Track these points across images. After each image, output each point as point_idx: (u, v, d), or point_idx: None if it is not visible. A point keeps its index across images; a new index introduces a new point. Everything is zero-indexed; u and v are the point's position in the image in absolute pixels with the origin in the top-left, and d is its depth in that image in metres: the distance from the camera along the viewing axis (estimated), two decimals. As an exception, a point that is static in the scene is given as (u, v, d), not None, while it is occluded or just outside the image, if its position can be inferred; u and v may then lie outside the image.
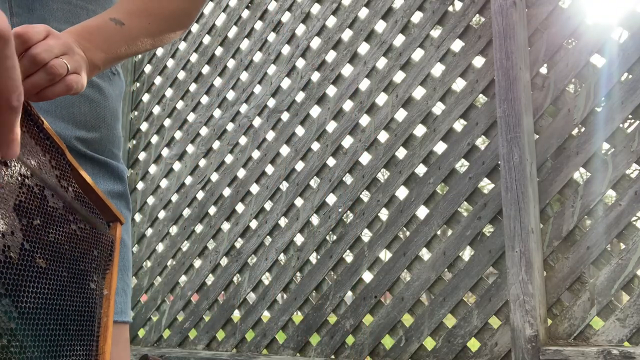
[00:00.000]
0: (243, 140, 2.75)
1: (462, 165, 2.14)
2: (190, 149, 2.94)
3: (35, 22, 1.03)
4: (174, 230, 2.92)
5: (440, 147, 2.19)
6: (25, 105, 0.62)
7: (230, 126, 2.80)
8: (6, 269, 0.55)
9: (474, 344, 2.00)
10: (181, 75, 3.04)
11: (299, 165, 2.55)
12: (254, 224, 2.64)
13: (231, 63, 2.86)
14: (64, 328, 0.63)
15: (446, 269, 2.11)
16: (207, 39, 2.97)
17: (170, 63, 3.11)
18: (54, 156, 0.66)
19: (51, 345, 0.60)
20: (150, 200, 3.04)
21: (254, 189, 2.67)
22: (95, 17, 0.78)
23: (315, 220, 2.47)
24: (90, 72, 0.73)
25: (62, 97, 1.01)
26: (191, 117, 2.97)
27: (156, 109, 3.12)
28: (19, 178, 0.59)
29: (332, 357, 2.30)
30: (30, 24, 1.03)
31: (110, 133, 1.09)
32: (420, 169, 2.24)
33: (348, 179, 2.39)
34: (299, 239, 2.51)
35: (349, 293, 2.33)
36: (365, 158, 2.39)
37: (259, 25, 2.79)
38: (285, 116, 2.62)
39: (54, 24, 1.03)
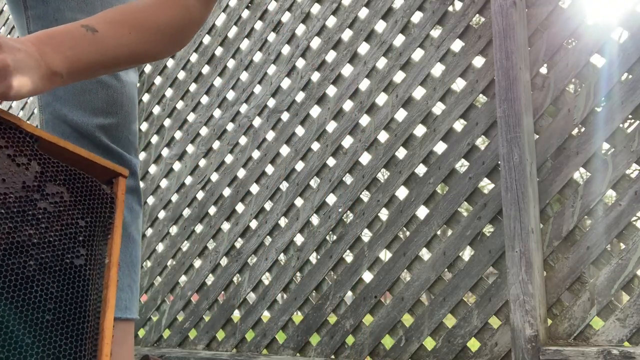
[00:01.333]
0: (243, 140, 2.75)
1: (462, 165, 2.14)
2: (190, 149, 2.94)
3: (50, 13, 1.03)
4: (174, 230, 2.92)
5: (440, 147, 2.19)
6: None
7: (230, 126, 2.80)
8: None
9: (474, 344, 2.00)
10: (181, 75, 3.04)
11: (299, 165, 2.55)
12: (254, 224, 2.64)
13: (231, 63, 2.86)
14: (36, 322, 0.57)
15: (446, 269, 2.11)
16: (207, 39, 2.98)
17: (170, 63, 3.11)
18: (3, 134, 0.60)
19: (16, 348, 0.55)
20: (150, 200, 3.05)
21: (254, 189, 2.67)
22: (68, 24, 0.75)
23: (315, 220, 2.47)
24: (48, 78, 0.67)
25: (78, 83, 0.99)
26: (191, 117, 2.97)
27: (156, 109, 3.13)
28: None
29: (332, 357, 2.31)
30: (46, 15, 1.03)
31: (127, 119, 1.07)
32: (420, 169, 2.24)
33: (348, 179, 2.39)
34: (299, 239, 2.51)
35: (349, 293, 2.33)
36: (365, 158, 2.39)
37: (259, 25, 2.79)
38: (285, 116, 2.62)
39: (68, 14, 1.02)
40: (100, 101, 1.03)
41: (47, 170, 0.63)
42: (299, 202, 2.53)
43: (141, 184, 3.08)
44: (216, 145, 2.85)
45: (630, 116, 1.87)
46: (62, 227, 0.62)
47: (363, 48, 2.45)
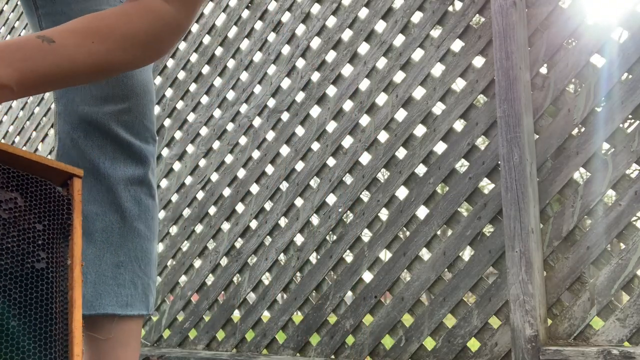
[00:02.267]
0: (243, 140, 2.75)
1: (462, 165, 2.14)
2: (190, 149, 2.94)
3: (58, 8, 1.02)
4: (174, 230, 2.92)
5: (440, 147, 2.19)
6: None
7: (230, 126, 2.80)
8: None
9: (474, 344, 2.01)
10: (181, 75, 3.04)
11: (299, 165, 2.55)
12: (254, 224, 2.64)
13: (231, 63, 2.86)
14: (1, 330, 0.57)
15: (446, 269, 2.11)
16: (207, 39, 2.98)
17: (170, 63, 3.11)
18: None
19: None
20: (150, 200, 3.04)
21: (254, 189, 2.67)
22: (24, 35, 0.71)
23: (315, 220, 2.47)
24: None
25: None
26: (191, 117, 2.97)
27: (156, 109, 3.13)
28: None
29: (332, 357, 2.31)
30: (54, 11, 1.02)
31: (140, 103, 1.04)
32: (420, 169, 2.24)
33: (348, 179, 2.39)
34: (299, 239, 2.51)
35: (349, 293, 2.33)
36: (365, 158, 2.39)
37: (259, 25, 2.79)
38: (285, 116, 2.62)
39: (75, 6, 1.02)
40: (111, 87, 1.01)
41: None
42: (299, 202, 2.53)
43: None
44: (216, 145, 2.85)
45: (630, 116, 1.87)
46: (20, 232, 0.62)
47: (363, 48, 2.45)
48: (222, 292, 2.69)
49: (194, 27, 3.08)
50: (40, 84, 0.69)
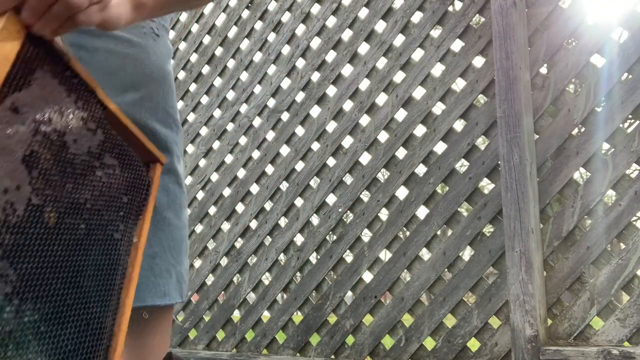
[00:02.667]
0: (243, 140, 2.75)
1: (462, 165, 2.14)
2: (190, 149, 2.94)
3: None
4: (174, 230, 2.92)
5: (440, 147, 2.19)
6: (47, 42, 0.59)
7: (230, 126, 2.80)
8: (4, 229, 0.50)
9: (474, 344, 2.00)
10: (181, 75, 3.04)
11: (299, 165, 2.55)
12: (254, 224, 2.64)
13: (231, 63, 2.86)
14: (76, 286, 0.58)
15: (446, 269, 2.11)
16: (207, 39, 2.97)
17: (170, 63, 3.11)
18: (81, 95, 0.61)
19: (56, 307, 0.56)
20: (150, 200, 3.04)
21: (254, 189, 2.67)
22: None
23: (315, 220, 2.47)
24: (137, 8, 0.72)
25: (105, 63, 0.99)
26: (191, 117, 2.97)
27: (156, 109, 3.12)
28: (32, 125, 0.54)
29: (332, 357, 2.30)
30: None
31: (159, 89, 1.04)
32: (420, 169, 2.24)
33: (348, 179, 2.39)
34: (299, 239, 2.51)
35: (349, 293, 2.33)
36: (365, 158, 2.39)
37: (259, 25, 2.79)
38: (285, 116, 2.62)
39: None
40: (130, 76, 1.02)
41: (108, 141, 0.64)
42: (299, 202, 2.53)
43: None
44: (216, 145, 2.85)
45: (630, 116, 1.87)
46: (110, 199, 0.63)
47: (363, 48, 2.45)
48: (222, 292, 2.69)
49: (194, 27, 3.08)
50: (162, 6, 0.81)
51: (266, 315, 2.53)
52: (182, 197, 1.08)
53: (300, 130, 2.57)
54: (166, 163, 1.02)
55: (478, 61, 2.17)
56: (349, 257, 2.39)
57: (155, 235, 1.02)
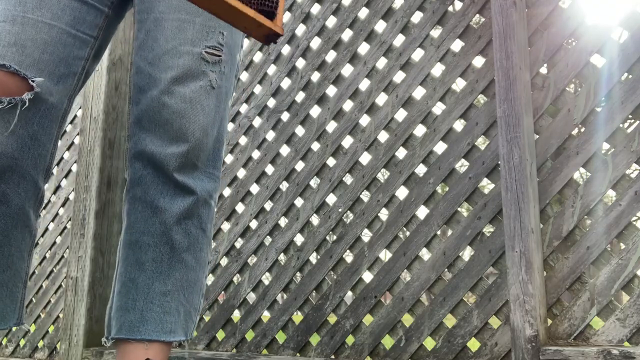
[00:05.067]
0: (243, 140, 2.75)
1: (462, 165, 2.15)
2: (190, 149, 2.93)
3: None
4: (174, 230, 2.92)
5: (440, 147, 2.19)
6: None
7: (230, 126, 2.80)
8: None
9: (474, 344, 2.01)
10: (181, 75, 3.04)
11: (299, 165, 2.55)
12: (254, 224, 2.64)
13: (231, 63, 2.86)
14: None
15: (446, 269, 2.11)
16: (207, 39, 2.97)
17: (170, 63, 3.11)
18: None
19: None
20: (150, 200, 3.04)
21: (254, 189, 2.67)
22: None
23: (315, 220, 2.47)
24: None
25: (158, 115, 1.12)
26: (191, 117, 2.96)
27: (156, 109, 3.12)
28: None
29: (332, 357, 2.30)
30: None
31: (198, 146, 1.14)
32: (420, 169, 2.25)
33: (348, 179, 2.39)
34: (299, 239, 2.51)
35: (349, 293, 2.33)
36: (365, 158, 2.40)
37: (259, 25, 2.79)
38: (285, 116, 2.62)
39: None
40: (175, 130, 1.12)
41: None
42: (299, 202, 2.53)
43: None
44: (216, 145, 2.84)
45: (630, 116, 1.86)
46: None
47: (363, 48, 2.45)
48: (222, 292, 2.69)
49: (194, 27, 3.08)
50: None
51: (266, 315, 2.53)
52: (202, 240, 1.17)
53: (300, 130, 2.57)
54: (189, 208, 1.14)
55: (478, 61, 2.18)
56: (349, 257, 2.39)
57: (171, 275, 1.12)
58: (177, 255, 1.12)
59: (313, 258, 2.49)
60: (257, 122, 2.72)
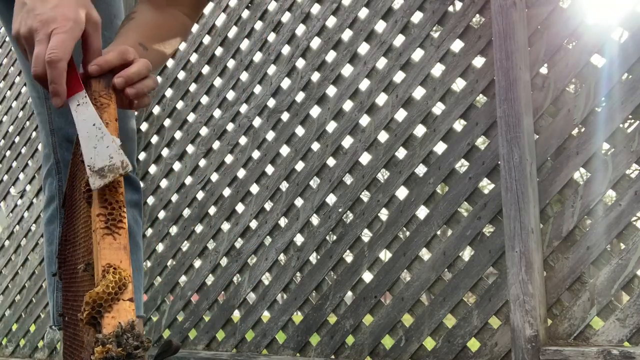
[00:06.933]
0: (243, 140, 2.75)
1: (462, 165, 2.14)
2: (190, 149, 2.94)
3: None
4: (173, 230, 2.92)
5: (440, 147, 2.19)
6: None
7: (230, 126, 2.80)
8: None
9: (474, 344, 2.00)
10: (181, 75, 3.04)
11: (299, 165, 2.55)
12: (254, 224, 2.64)
13: (231, 63, 2.86)
14: None
15: (446, 269, 2.11)
16: (207, 39, 2.97)
17: (170, 63, 3.11)
18: None
19: None
20: (150, 200, 3.05)
21: (254, 189, 2.67)
22: (125, 38, 1.04)
23: (315, 220, 2.47)
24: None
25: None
26: (191, 117, 2.97)
27: (156, 109, 3.13)
28: None
29: (332, 357, 2.30)
30: (64, 111, 1.25)
31: (131, 146, 1.32)
32: (420, 169, 2.24)
33: (348, 179, 2.39)
34: (299, 239, 2.51)
35: (349, 293, 2.33)
36: (365, 158, 2.39)
37: (259, 25, 2.79)
38: (285, 116, 2.62)
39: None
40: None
41: None
42: (299, 202, 2.53)
43: (141, 184, 3.08)
44: (216, 145, 2.84)
45: (630, 116, 1.87)
46: None
47: (363, 48, 2.45)
48: (222, 292, 2.69)
49: (194, 27, 3.08)
50: (161, 63, 1.17)
51: (266, 315, 2.53)
52: (141, 227, 1.38)
53: (300, 131, 2.57)
54: (137, 199, 1.35)
55: (478, 61, 2.18)
56: (349, 257, 2.39)
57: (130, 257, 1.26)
58: (132, 238, 1.27)
59: (313, 258, 2.49)
60: (257, 122, 2.72)
